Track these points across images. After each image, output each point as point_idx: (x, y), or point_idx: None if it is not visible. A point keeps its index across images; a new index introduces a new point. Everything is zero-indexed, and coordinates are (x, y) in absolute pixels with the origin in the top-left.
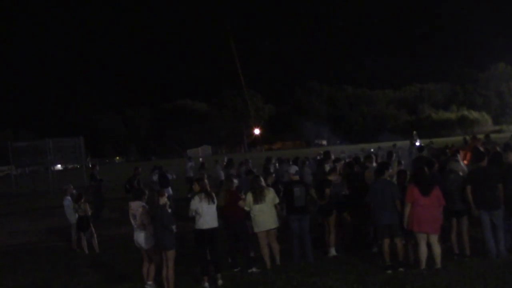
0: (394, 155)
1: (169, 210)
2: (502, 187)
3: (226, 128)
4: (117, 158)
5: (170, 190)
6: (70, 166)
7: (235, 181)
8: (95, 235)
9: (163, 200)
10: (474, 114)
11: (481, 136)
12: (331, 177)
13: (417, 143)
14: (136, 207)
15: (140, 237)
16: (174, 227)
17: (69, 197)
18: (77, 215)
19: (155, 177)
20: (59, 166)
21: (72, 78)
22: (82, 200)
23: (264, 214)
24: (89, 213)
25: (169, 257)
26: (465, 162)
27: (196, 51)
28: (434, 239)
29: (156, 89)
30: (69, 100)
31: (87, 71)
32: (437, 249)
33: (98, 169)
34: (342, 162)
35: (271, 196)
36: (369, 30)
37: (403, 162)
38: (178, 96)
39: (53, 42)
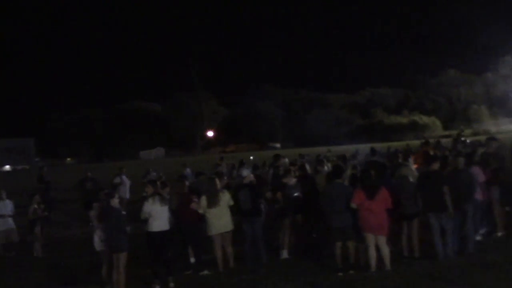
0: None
1: (124, 212)
2: (448, 190)
3: (180, 130)
4: (69, 159)
5: (127, 192)
6: (19, 167)
7: (187, 183)
8: (39, 238)
9: (115, 202)
10: (424, 119)
11: (432, 141)
12: (286, 180)
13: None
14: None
15: (95, 239)
16: (128, 228)
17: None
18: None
19: (116, 179)
20: (7, 167)
21: (23, 77)
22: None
23: (219, 217)
24: (40, 216)
25: (121, 259)
26: (416, 166)
27: (151, 53)
28: (382, 240)
29: (110, 90)
30: (20, 99)
31: (39, 69)
32: (385, 251)
33: (47, 171)
34: (297, 165)
35: (225, 199)
36: (323, 35)
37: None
38: (132, 98)
39: (2, 39)
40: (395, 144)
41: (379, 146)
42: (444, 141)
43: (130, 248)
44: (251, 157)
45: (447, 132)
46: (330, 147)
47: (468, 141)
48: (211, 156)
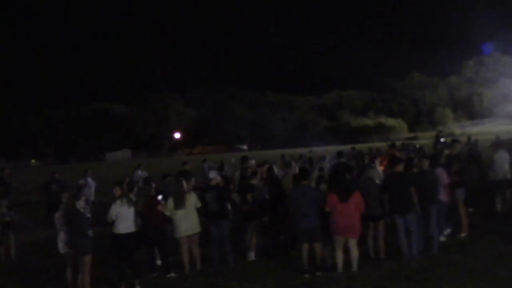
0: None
1: (88, 215)
2: (414, 192)
3: (147, 132)
4: (33, 161)
5: (92, 194)
6: None
7: (153, 184)
8: (3, 242)
9: (80, 204)
10: (391, 121)
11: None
12: (253, 182)
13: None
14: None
15: (59, 242)
16: (91, 232)
17: None
18: None
19: (81, 181)
20: None
21: None
22: None
23: (186, 219)
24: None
25: (85, 262)
26: (382, 168)
27: (116, 53)
28: (353, 243)
29: (74, 91)
30: None
31: (0, 70)
32: (354, 253)
33: (9, 172)
34: (266, 166)
35: (192, 200)
36: (291, 38)
37: (325, 169)
38: (98, 99)
39: None
40: (359, 146)
41: (346, 148)
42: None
43: (95, 251)
44: (233, 159)
45: (412, 134)
46: (311, 148)
47: (446, 141)
48: (178, 157)
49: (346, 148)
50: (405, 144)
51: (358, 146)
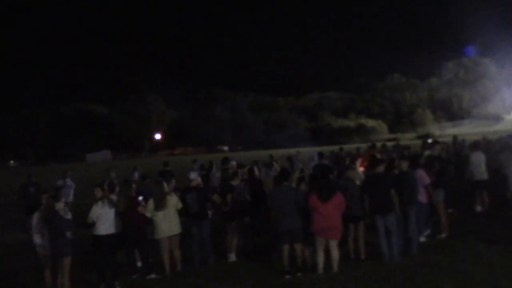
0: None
1: (69, 216)
2: (395, 193)
3: (127, 133)
4: (12, 162)
5: (70, 195)
6: None
7: (134, 185)
8: None
9: (59, 205)
10: (371, 123)
11: (379, 144)
12: (234, 182)
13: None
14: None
15: (38, 244)
16: (69, 233)
17: None
18: None
19: (60, 182)
20: None
21: None
22: None
23: (166, 220)
24: None
25: (65, 264)
26: (362, 169)
27: (97, 53)
28: (334, 244)
29: (54, 91)
30: None
31: None
32: (335, 254)
33: None
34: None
35: (173, 202)
36: (272, 38)
37: (306, 169)
38: (77, 99)
39: None
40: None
41: (328, 149)
42: (389, 144)
43: (75, 252)
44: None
45: (393, 135)
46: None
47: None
48: (158, 159)
49: (328, 149)
50: (398, 144)
51: (346, 147)
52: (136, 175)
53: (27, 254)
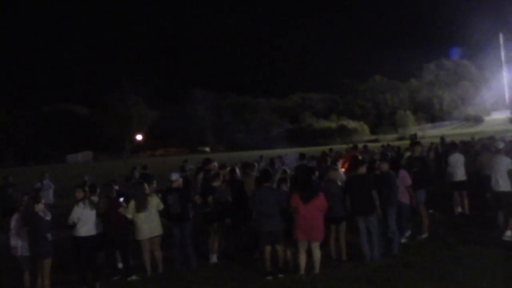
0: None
1: (48, 217)
2: (376, 194)
3: (108, 134)
4: None
5: (50, 196)
6: None
7: (116, 187)
8: None
9: (39, 207)
10: (352, 124)
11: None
12: (215, 183)
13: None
14: None
15: (17, 246)
16: (49, 235)
17: None
18: None
19: (38, 184)
20: None
21: None
22: None
23: (148, 221)
24: None
25: (45, 266)
26: (344, 170)
27: (78, 54)
28: (316, 245)
29: (35, 91)
30: None
31: None
32: (317, 255)
33: None
34: (228, 168)
35: (154, 203)
36: (253, 39)
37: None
38: (59, 100)
39: None
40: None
41: (310, 150)
42: (371, 145)
43: (55, 254)
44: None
45: (374, 137)
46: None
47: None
48: (140, 160)
49: (309, 150)
50: (389, 145)
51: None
52: (136, 175)
53: (5, 256)
